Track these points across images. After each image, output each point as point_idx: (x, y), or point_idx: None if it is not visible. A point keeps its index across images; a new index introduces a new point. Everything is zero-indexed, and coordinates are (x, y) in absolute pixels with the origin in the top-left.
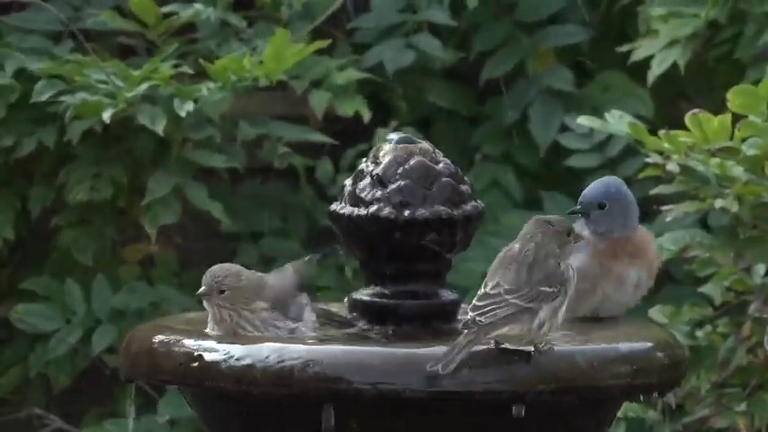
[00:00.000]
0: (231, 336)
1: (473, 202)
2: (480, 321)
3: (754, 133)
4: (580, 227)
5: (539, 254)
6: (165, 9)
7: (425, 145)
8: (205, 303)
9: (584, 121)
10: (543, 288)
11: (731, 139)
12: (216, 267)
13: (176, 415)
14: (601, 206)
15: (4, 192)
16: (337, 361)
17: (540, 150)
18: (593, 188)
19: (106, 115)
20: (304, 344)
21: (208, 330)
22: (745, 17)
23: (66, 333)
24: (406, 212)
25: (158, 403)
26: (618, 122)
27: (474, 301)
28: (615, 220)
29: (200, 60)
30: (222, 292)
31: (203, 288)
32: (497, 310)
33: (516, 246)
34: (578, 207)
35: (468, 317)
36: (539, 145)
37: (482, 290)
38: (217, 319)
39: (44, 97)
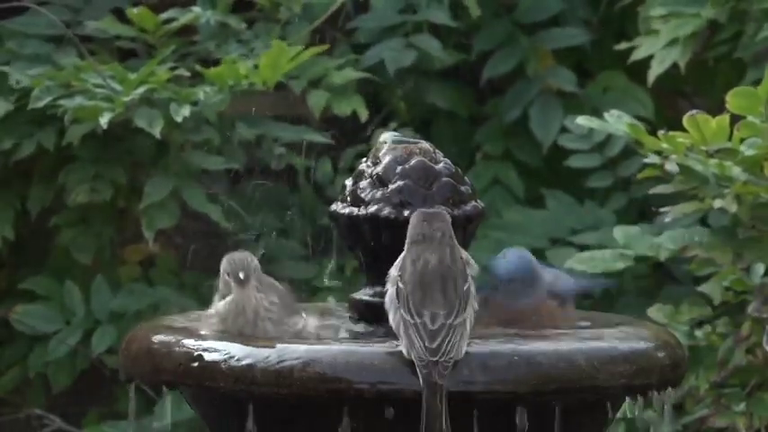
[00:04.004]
0: (249, 321)
1: (473, 202)
2: (447, 365)
3: (753, 134)
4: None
5: (454, 259)
6: (165, 14)
7: (425, 145)
8: (235, 290)
9: (582, 121)
10: (466, 290)
11: (729, 139)
12: (237, 255)
13: (175, 417)
14: (510, 281)
15: (3, 192)
16: (337, 361)
17: (543, 149)
18: (504, 265)
19: (104, 120)
20: (304, 344)
21: (214, 311)
22: (746, 16)
23: (66, 334)
24: (406, 212)
25: (157, 404)
26: (616, 122)
27: (426, 344)
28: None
29: (197, 67)
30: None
31: (241, 273)
32: (453, 341)
33: (430, 257)
34: (489, 283)
35: (430, 364)
36: (540, 143)
37: (419, 320)
38: (241, 306)
39: (41, 104)
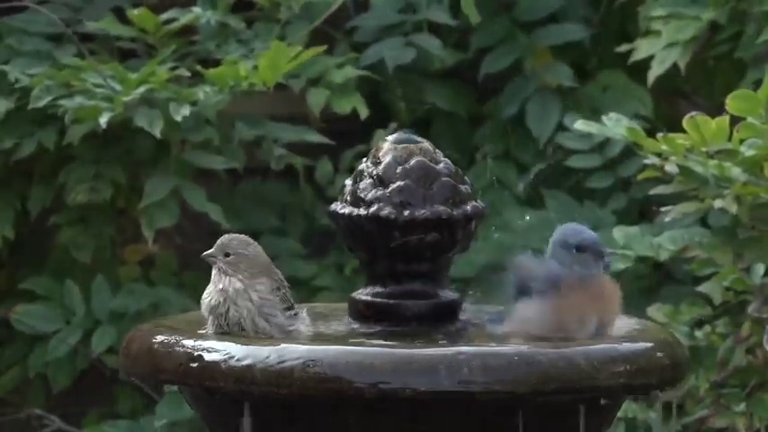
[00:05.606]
0: (224, 307)
1: (473, 202)
2: None
3: (753, 135)
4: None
5: None
6: (165, 15)
7: (426, 145)
8: (213, 271)
9: (581, 125)
10: None
11: (729, 140)
12: (227, 235)
13: (175, 417)
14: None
15: (3, 192)
16: (337, 361)
17: (539, 143)
18: (581, 230)
19: (103, 120)
20: (304, 344)
21: (203, 299)
22: (746, 17)
23: (66, 334)
24: (406, 212)
25: (157, 405)
26: (615, 126)
27: None
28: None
29: (198, 67)
30: (227, 255)
31: (210, 250)
32: None
33: None
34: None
35: None
36: (537, 138)
37: None
38: (218, 286)
39: (42, 103)
